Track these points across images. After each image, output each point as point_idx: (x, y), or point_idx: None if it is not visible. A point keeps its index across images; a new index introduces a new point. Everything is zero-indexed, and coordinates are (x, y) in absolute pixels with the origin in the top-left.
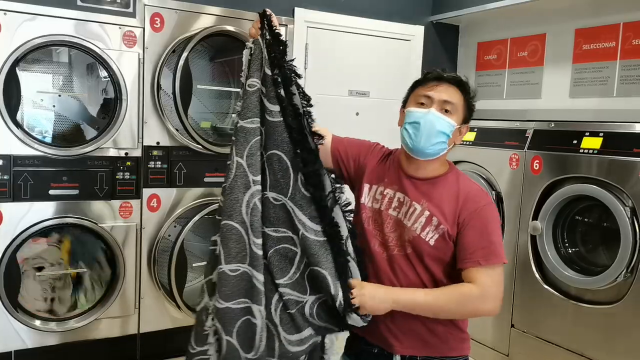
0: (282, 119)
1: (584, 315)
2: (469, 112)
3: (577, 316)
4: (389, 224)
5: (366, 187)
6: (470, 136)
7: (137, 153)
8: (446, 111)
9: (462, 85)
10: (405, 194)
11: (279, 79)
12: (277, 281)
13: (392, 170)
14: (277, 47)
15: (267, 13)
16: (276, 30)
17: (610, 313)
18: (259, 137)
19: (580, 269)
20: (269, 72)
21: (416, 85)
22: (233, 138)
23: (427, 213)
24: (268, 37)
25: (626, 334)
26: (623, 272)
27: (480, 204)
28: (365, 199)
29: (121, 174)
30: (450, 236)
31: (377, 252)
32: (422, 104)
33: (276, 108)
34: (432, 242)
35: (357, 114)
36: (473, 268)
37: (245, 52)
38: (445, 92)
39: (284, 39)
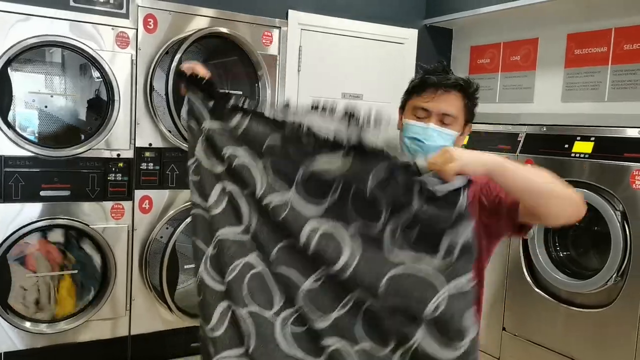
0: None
1: (574, 319)
2: (470, 114)
3: (567, 319)
4: None
5: None
6: None
7: (129, 154)
8: (445, 123)
9: (462, 90)
10: None
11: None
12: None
13: None
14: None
15: (182, 70)
16: (199, 78)
17: (600, 316)
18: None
19: (571, 272)
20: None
21: (413, 92)
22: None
23: None
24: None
25: (616, 338)
26: (613, 276)
27: (484, 180)
28: None
29: (113, 175)
30: None
31: None
32: (419, 116)
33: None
34: None
35: None
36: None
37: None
38: (444, 103)
39: (212, 82)
